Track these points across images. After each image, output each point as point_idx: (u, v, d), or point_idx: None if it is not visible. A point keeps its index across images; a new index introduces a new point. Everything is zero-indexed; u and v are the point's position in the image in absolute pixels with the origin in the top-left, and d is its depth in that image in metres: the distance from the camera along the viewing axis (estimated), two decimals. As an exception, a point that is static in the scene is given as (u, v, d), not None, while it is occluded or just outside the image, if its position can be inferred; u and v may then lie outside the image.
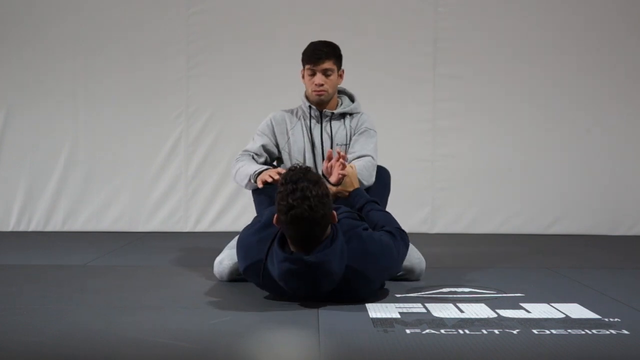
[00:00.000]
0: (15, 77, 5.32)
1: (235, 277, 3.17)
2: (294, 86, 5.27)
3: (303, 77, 3.51)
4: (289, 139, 3.53)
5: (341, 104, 3.58)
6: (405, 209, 5.27)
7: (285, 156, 3.54)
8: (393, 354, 2.10)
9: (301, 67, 3.52)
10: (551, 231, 5.33)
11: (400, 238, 2.88)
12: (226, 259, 3.21)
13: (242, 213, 5.22)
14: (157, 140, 5.33)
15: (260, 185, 3.22)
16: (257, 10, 5.36)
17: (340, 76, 3.52)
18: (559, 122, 5.37)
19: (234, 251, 3.08)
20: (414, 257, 3.23)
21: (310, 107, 3.52)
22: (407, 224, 5.29)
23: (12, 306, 2.73)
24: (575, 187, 5.36)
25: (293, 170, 2.55)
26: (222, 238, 4.58)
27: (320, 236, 2.53)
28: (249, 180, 3.30)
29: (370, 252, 2.68)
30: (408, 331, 2.32)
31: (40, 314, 2.58)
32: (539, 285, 3.19)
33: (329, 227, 2.57)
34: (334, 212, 2.58)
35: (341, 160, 3.13)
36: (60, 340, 2.24)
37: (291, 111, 3.60)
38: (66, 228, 5.30)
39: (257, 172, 3.28)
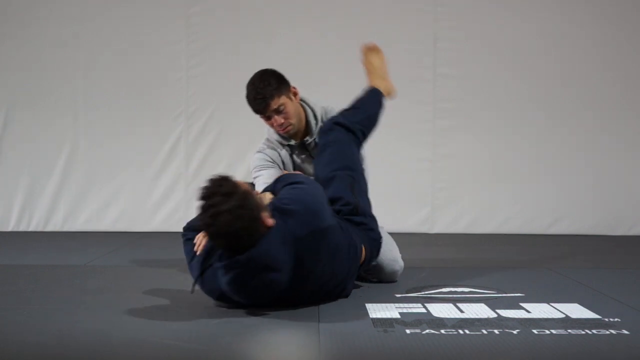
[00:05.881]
0: (15, 77, 5.32)
1: None
2: (294, 86, 5.30)
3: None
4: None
5: (315, 124, 3.36)
6: (405, 209, 5.28)
7: None
8: (393, 354, 2.10)
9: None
10: (551, 231, 5.33)
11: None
12: None
13: (242, 213, 5.22)
14: (157, 140, 5.33)
15: None
16: (257, 10, 5.36)
17: (295, 95, 3.31)
18: (559, 122, 5.37)
19: None
20: (387, 257, 3.11)
21: (290, 145, 3.36)
22: (407, 224, 5.32)
23: (12, 306, 2.73)
24: (575, 187, 5.36)
25: (207, 184, 2.44)
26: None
27: (251, 241, 2.41)
28: None
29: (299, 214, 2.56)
30: (408, 331, 2.32)
31: (40, 314, 2.58)
32: (539, 285, 3.19)
33: (261, 227, 2.44)
34: (263, 215, 2.44)
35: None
36: (60, 340, 2.25)
37: (271, 147, 3.39)
38: (66, 228, 5.30)
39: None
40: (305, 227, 2.53)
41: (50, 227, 5.30)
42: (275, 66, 5.39)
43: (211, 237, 2.46)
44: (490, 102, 5.37)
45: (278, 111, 3.23)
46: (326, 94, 5.23)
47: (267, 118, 3.28)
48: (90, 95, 5.33)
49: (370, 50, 3.48)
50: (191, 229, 2.82)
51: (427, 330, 2.33)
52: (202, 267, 2.62)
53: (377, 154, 5.13)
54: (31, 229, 5.30)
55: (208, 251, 2.61)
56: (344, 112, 3.23)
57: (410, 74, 5.32)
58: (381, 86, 3.39)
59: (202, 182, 2.48)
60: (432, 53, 5.34)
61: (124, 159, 5.34)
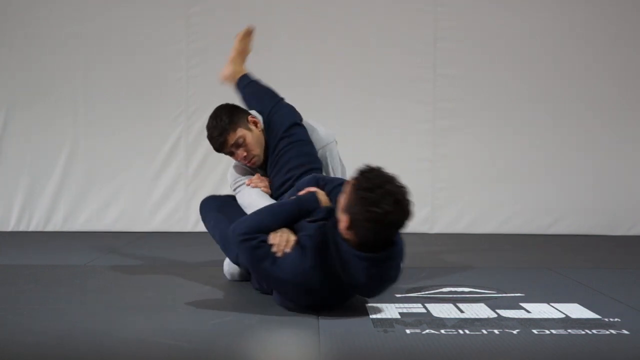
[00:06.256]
0: (15, 77, 5.32)
1: (247, 276, 3.16)
2: (294, 86, 5.30)
3: None
4: None
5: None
6: (405, 209, 5.28)
7: None
8: (393, 354, 2.11)
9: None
10: (551, 231, 5.33)
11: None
12: None
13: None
14: (157, 140, 5.33)
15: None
16: (257, 11, 5.35)
17: (255, 125, 3.23)
18: (559, 122, 5.37)
19: None
20: None
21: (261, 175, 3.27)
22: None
23: (12, 306, 2.73)
24: (575, 187, 5.36)
25: (370, 172, 2.43)
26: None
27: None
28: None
29: None
30: (408, 331, 2.33)
31: (40, 314, 2.58)
32: (539, 285, 3.19)
33: None
34: None
35: None
36: (60, 340, 2.25)
37: (245, 171, 3.31)
38: (66, 228, 5.30)
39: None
40: None
41: (50, 227, 5.30)
42: (275, 66, 5.42)
43: (387, 225, 2.38)
44: (490, 102, 5.37)
45: (237, 145, 3.17)
46: (326, 93, 5.29)
47: (230, 154, 3.22)
48: (90, 95, 5.33)
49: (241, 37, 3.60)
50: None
51: (427, 330, 2.33)
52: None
53: (377, 154, 5.15)
54: (31, 229, 5.30)
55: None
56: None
57: (410, 74, 5.32)
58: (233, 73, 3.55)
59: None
60: (432, 53, 5.34)
61: (124, 159, 5.33)
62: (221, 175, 5.28)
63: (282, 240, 2.57)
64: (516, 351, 2.14)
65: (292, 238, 2.59)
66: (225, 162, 5.27)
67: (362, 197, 2.36)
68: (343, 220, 2.43)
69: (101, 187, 5.33)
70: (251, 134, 3.19)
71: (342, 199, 2.47)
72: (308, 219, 2.66)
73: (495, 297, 2.88)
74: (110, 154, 5.33)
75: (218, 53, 5.34)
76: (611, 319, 2.50)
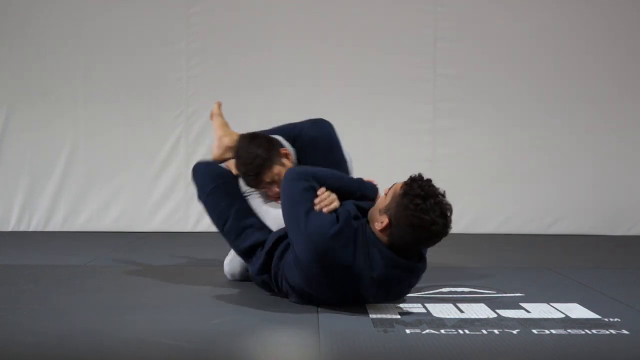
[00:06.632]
0: (15, 77, 5.32)
1: (247, 275, 3.16)
2: (294, 86, 5.31)
3: None
4: None
5: None
6: (405, 209, 5.27)
7: None
8: (393, 354, 2.10)
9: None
10: (551, 231, 5.33)
11: None
12: (236, 257, 3.18)
13: (242, 213, 5.24)
14: (157, 140, 5.33)
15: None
16: (257, 10, 5.35)
17: (287, 156, 3.05)
18: (559, 122, 5.37)
19: None
20: None
21: None
22: (407, 224, 5.31)
23: (12, 306, 2.73)
24: (575, 187, 5.36)
25: (422, 180, 2.54)
26: (222, 238, 4.58)
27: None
28: None
29: None
30: (408, 331, 2.32)
31: (40, 314, 2.58)
32: (539, 285, 3.19)
33: None
34: None
35: None
36: (60, 340, 2.25)
37: None
38: (66, 228, 5.30)
39: None
40: None
41: (50, 227, 5.30)
42: (275, 66, 5.42)
43: (430, 236, 2.49)
44: (490, 102, 5.37)
45: (272, 182, 2.99)
46: (326, 93, 5.29)
47: (263, 188, 3.05)
48: (90, 95, 5.33)
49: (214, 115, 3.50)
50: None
51: (427, 330, 2.33)
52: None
53: (377, 154, 5.17)
54: (31, 229, 5.30)
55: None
56: None
57: (410, 74, 5.32)
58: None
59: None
60: (432, 53, 5.34)
61: (124, 159, 5.33)
62: (221, 175, 5.29)
63: (327, 199, 2.64)
64: (516, 351, 2.13)
65: (336, 204, 2.66)
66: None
67: (414, 202, 2.46)
68: (381, 220, 2.53)
69: (101, 187, 5.33)
70: (285, 170, 2.95)
71: (384, 201, 2.57)
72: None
73: (495, 297, 2.88)
74: (110, 154, 5.33)
75: (218, 53, 5.37)
76: (611, 319, 2.50)
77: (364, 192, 2.84)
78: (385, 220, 2.51)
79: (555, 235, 5.26)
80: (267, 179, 2.98)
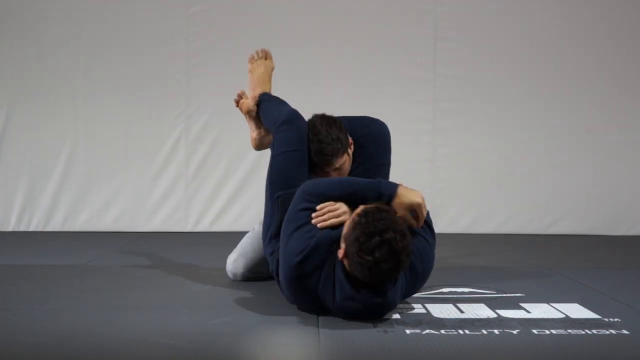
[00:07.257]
0: (15, 77, 5.32)
1: (250, 276, 3.17)
2: (294, 86, 5.30)
3: None
4: None
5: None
6: (405, 209, 5.27)
7: None
8: (393, 354, 2.10)
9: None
10: (551, 231, 5.33)
11: None
12: (240, 257, 3.20)
13: (242, 213, 5.24)
14: (157, 140, 5.33)
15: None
16: (257, 10, 5.35)
17: (351, 149, 3.02)
18: (559, 122, 5.37)
19: (248, 249, 3.14)
20: None
21: None
22: (407, 224, 5.32)
23: (12, 306, 2.73)
24: (575, 187, 5.36)
25: (372, 213, 2.35)
26: (222, 238, 4.59)
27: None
28: None
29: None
30: (408, 331, 2.32)
31: (40, 314, 2.58)
32: (539, 285, 3.19)
33: None
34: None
35: None
36: (60, 340, 2.24)
37: None
38: (66, 228, 5.30)
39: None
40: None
41: (50, 227, 5.30)
42: (275, 66, 5.40)
43: (376, 274, 2.32)
44: (490, 102, 5.37)
45: (336, 169, 2.96)
46: (326, 93, 5.29)
47: (325, 170, 2.98)
48: (91, 95, 5.33)
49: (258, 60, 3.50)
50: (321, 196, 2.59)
51: (427, 330, 2.33)
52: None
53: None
54: (31, 229, 5.30)
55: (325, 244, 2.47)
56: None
57: (410, 74, 5.32)
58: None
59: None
60: (432, 53, 5.34)
61: (124, 159, 5.33)
62: (221, 174, 5.29)
63: (326, 215, 2.53)
64: (516, 351, 2.13)
65: (335, 220, 2.51)
66: (225, 162, 5.29)
67: (359, 240, 2.31)
68: (341, 248, 2.41)
69: (101, 187, 5.33)
70: (349, 160, 3.01)
71: (345, 227, 2.43)
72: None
73: (495, 297, 2.88)
74: (110, 153, 5.33)
75: (218, 53, 5.37)
76: (611, 319, 2.50)
77: (380, 191, 2.57)
78: (342, 250, 2.38)
79: (555, 235, 5.26)
80: (337, 165, 2.93)
